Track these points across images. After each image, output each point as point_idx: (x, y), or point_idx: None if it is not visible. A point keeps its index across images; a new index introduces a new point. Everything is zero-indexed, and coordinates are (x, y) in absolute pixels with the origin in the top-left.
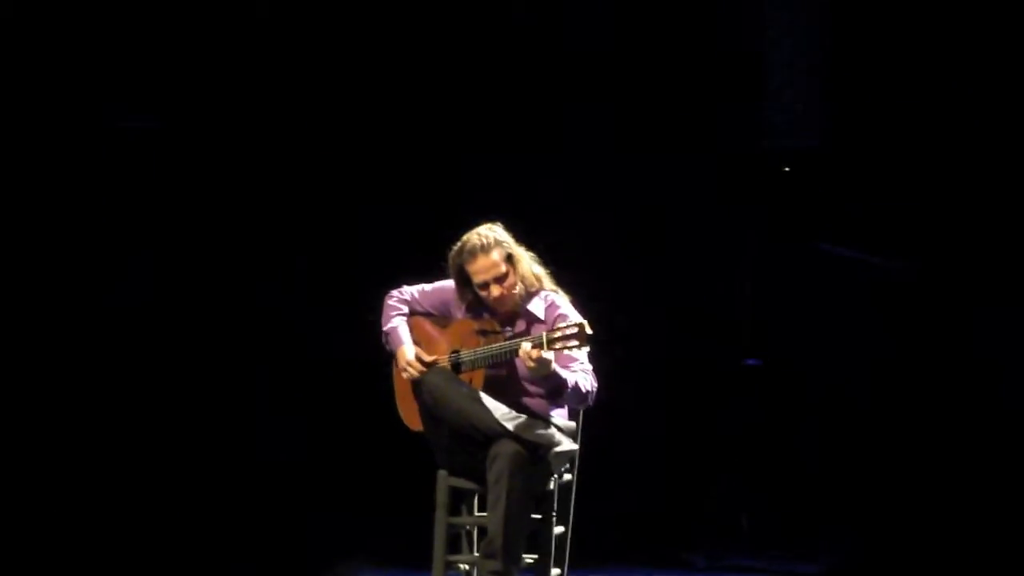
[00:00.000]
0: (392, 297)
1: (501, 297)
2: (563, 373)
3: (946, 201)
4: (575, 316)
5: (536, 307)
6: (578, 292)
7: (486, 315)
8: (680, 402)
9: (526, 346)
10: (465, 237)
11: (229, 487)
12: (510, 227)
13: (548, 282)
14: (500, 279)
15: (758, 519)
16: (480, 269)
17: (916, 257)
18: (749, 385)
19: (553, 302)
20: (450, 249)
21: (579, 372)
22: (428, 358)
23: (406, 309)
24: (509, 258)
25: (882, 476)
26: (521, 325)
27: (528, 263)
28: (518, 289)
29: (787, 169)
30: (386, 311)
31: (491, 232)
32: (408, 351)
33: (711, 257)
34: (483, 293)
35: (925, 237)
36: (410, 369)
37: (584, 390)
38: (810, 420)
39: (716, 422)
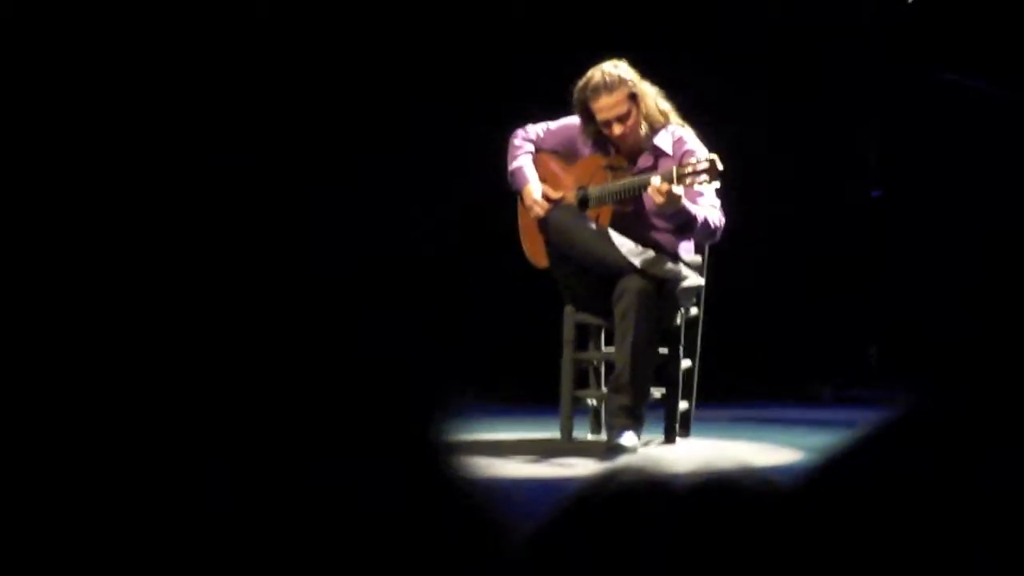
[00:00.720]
0: (517, 136)
1: (623, 135)
2: (692, 208)
3: None
4: (704, 151)
5: (663, 141)
6: (704, 127)
7: (612, 151)
8: (807, 234)
9: (655, 181)
10: (590, 73)
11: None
12: (635, 63)
13: (675, 116)
14: (623, 118)
15: (886, 353)
16: (603, 107)
17: None
18: (874, 216)
19: (681, 137)
20: (574, 84)
21: (707, 207)
22: (555, 195)
23: (531, 147)
24: (632, 97)
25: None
26: (648, 160)
27: (654, 99)
28: (643, 127)
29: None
30: (511, 150)
31: (615, 69)
32: (535, 189)
33: (836, 89)
34: (605, 130)
35: None
36: (536, 208)
37: (713, 225)
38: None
39: (843, 255)
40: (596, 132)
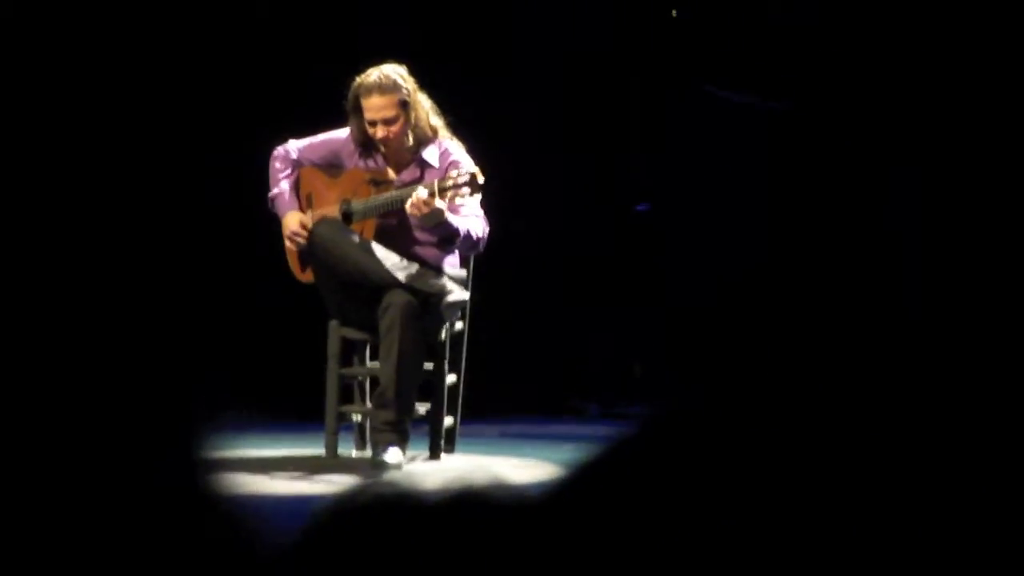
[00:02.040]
0: (277, 158)
1: (385, 138)
2: (454, 221)
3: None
4: (468, 164)
5: (430, 155)
6: (473, 140)
7: (375, 162)
8: (572, 248)
9: (417, 194)
10: (368, 71)
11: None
12: (416, 72)
13: (444, 132)
14: (389, 121)
15: (650, 368)
16: (372, 106)
17: (799, 98)
18: (639, 230)
19: (447, 149)
20: (352, 79)
21: (470, 217)
22: (314, 220)
23: (290, 169)
24: (404, 104)
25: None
26: (414, 172)
27: (427, 111)
28: (409, 137)
29: (675, 13)
30: (272, 174)
31: (393, 72)
32: (292, 220)
33: (600, 102)
34: (370, 130)
35: (810, 77)
36: (296, 239)
37: (476, 236)
38: (703, 267)
39: (608, 269)
40: (363, 132)
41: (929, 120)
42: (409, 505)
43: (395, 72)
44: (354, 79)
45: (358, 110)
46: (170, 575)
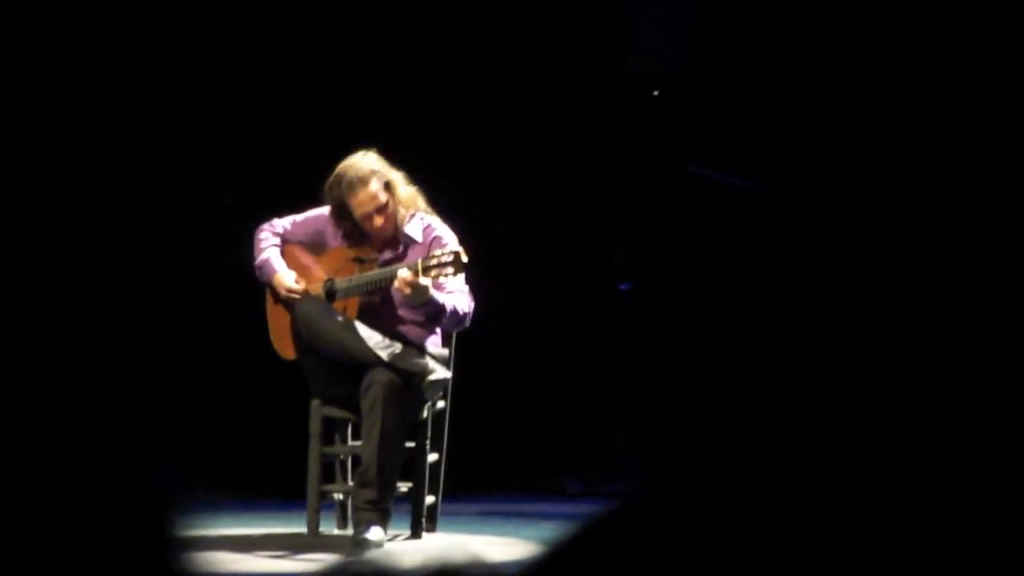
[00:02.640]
0: (263, 230)
1: (384, 225)
2: (439, 297)
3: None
4: (452, 241)
5: (414, 230)
6: (449, 215)
7: (358, 240)
8: (553, 328)
9: (402, 273)
10: (341, 169)
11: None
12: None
13: (421, 202)
14: (382, 209)
15: (633, 445)
16: (362, 201)
17: (786, 180)
18: (622, 310)
19: (429, 224)
20: (324, 182)
21: (456, 293)
22: (301, 288)
23: (278, 241)
24: (387, 186)
25: (752, 400)
26: (399, 249)
27: (403, 185)
28: (400, 214)
29: (656, 93)
30: (257, 244)
31: (365, 160)
32: (286, 277)
33: (581, 183)
34: (366, 224)
35: (795, 161)
36: (292, 295)
37: (461, 312)
38: (684, 347)
39: (591, 348)
40: (352, 227)
41: (908, 190)
42: None
43: (365, 158)
44: (327, 184)
45: (344, 209)
46: None
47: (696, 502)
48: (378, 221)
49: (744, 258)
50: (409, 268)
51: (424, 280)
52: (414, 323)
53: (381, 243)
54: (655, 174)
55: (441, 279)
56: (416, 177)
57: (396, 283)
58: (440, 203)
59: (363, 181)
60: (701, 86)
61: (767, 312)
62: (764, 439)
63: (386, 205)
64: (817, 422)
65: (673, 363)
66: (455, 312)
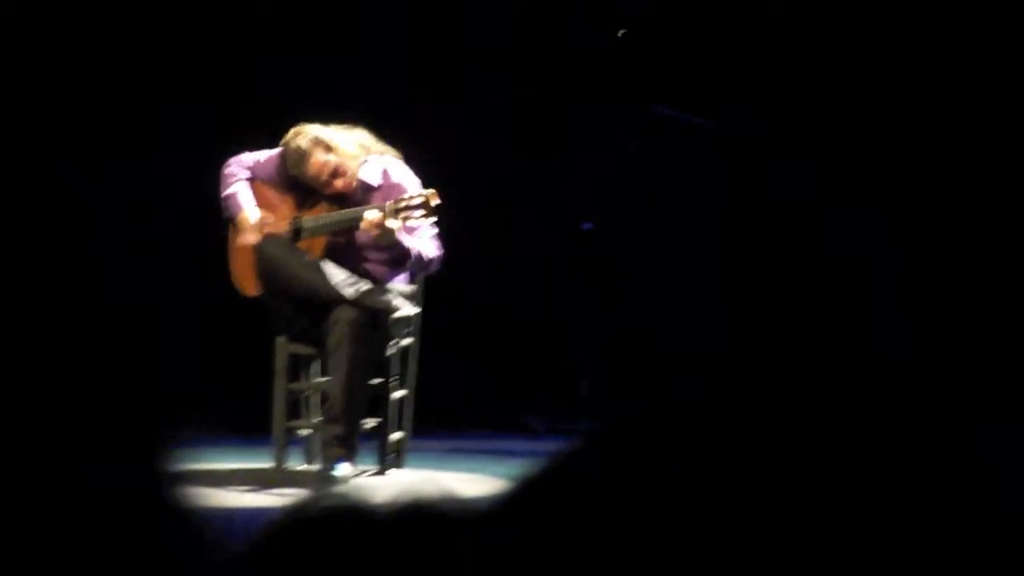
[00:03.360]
0: (229, 165)
1: (347, 184)
2: (406, 241)
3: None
4: (413, 183)
5: (369, 174)
6: (416, 155)
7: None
8: (519, 267)
9: (370, 215)
10: (282, 150)
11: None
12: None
13: (374, 144)
14: (335, 172)
15: (598, 384)
16: (313, 174)
17: (757, 119)
18: (584, 249)
19: (386, 168)
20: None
21: (423, 239)
22: (268, 225)
23: (246, 175)
24: (329, 149)
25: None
26: (356, 195)
27: (347, 140)
28: (351, 168)
29: (621, 33)
30: (224, 178)
31: (300, 137)
32: (251, 215)
33: (539, 121)
34: (328, 191)
35: (763, 98)
36: (254, 234)
37: (427, 258)
38: (648, 283)
39: (554, 287)
40: (325, 190)
41: (873, 138)
42: (358, 517)
43: (298, 135)
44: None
45: (307, 187)
46: None
47: (662, 438)
48: (339, 184)
49: (706, 198)
50: (379, 209)
51: (392, 223)
52: (380, 262)
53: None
54: (619, 113)
55: (411, 222)
56: (373, 114)
57: (363, 224)
58: (401, 140)
59: (305, 157)
60: (666, 27)
61: (731, 253)
62: (730, 376)
63: (337, 168)
64: (784, 361)
65: (636, 302)
66: (420, 257)
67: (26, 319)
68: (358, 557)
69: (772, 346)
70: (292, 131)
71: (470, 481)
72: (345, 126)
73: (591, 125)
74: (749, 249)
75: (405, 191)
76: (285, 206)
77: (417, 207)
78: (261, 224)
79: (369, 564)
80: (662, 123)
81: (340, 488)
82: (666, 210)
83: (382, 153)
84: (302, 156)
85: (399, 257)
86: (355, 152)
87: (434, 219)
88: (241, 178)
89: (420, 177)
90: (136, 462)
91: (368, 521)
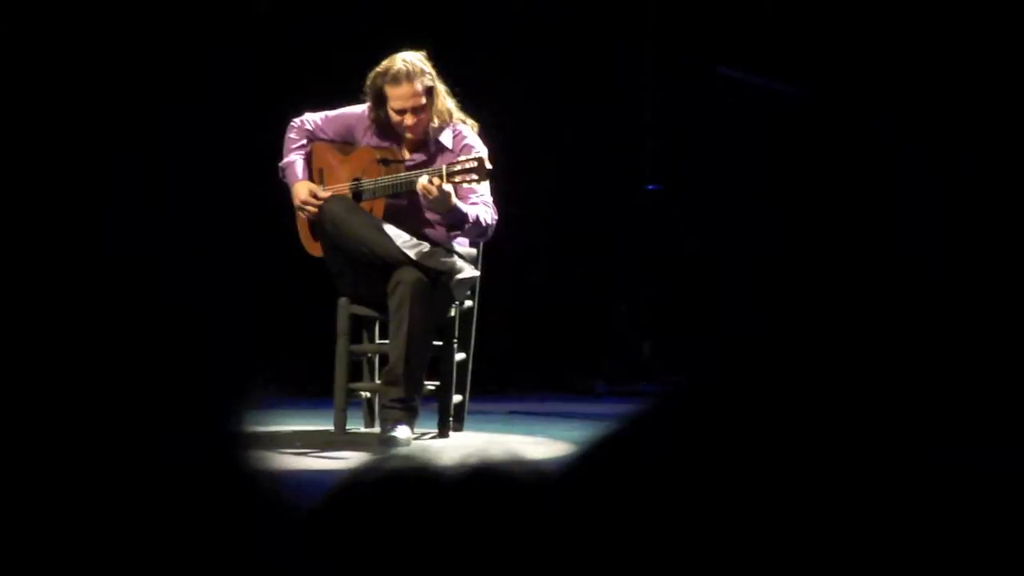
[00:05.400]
0: (292, 129)
1: (414, 126)
2: (462, 206)
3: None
4: (480, 148)
5: (446, 138)
6: (485, 122)
7: (388, 142)
8: (584, 228)
9: (423, 179)
10: (389, 60)
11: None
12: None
13: (459, 114)
14: (418, 109)
15: (660, 346)
16: (402, 95)
17: (818, 84)
18: (651, 210)
19: (460, 132)
20: (371, 69)
21: (480, 205)
22: (324, 193)
23: (305, 141)
24: (430, 91)
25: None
26: (425, 155)
27: (444, 97)
28: (434, 121)
29: None
30: (286, 144)
31: (417, 60)
32: (301, 189)
33: (611, 85)
34: (397, 119)
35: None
36: (305, 208)
37: (484, 223)
38: (715, 247)
39: (617, 249)
40: (383, 118)
41: (941, 106)
42: (428, 479)
43: (418, 59)
44: (373, 71)
45: (381, 99)
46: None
47: (737, 398)
48: (409, 120)
49: (774, 161)
50: (431, 173)
51: (447, 186)
52: (439, 225)
53: (410, 145)
54: (686, 75)
55: (466, 186)
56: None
57: (418, 187)
58: (472, 107)
59: (409, 76)
60: None
61: (793, 216)
62: (791, 342)
63: (423, 107)
64: (843, 329)
65: (700, 264)
66: (477, 221)
67: (91, 291)
68: (425, 519)
69: (823, 316)
70: (411, 52)
71: (531, 444)
72: (445, 88)
73: (658, 87)
74: (809, 211)
75: None
76: (344, 168)
77: (469, 171)
78: (315, 195)
79: (436, 526)
80: (729, 85)
81: (407, 451)
82: (729, 171)
83: (464, 121)
84: (407, 75)
85: (456, 222)
86: (443, 108)
87: (488, 183)
88: (300, 144)
89: (487, 144)
90: (208, 429)
91: (436, 484)
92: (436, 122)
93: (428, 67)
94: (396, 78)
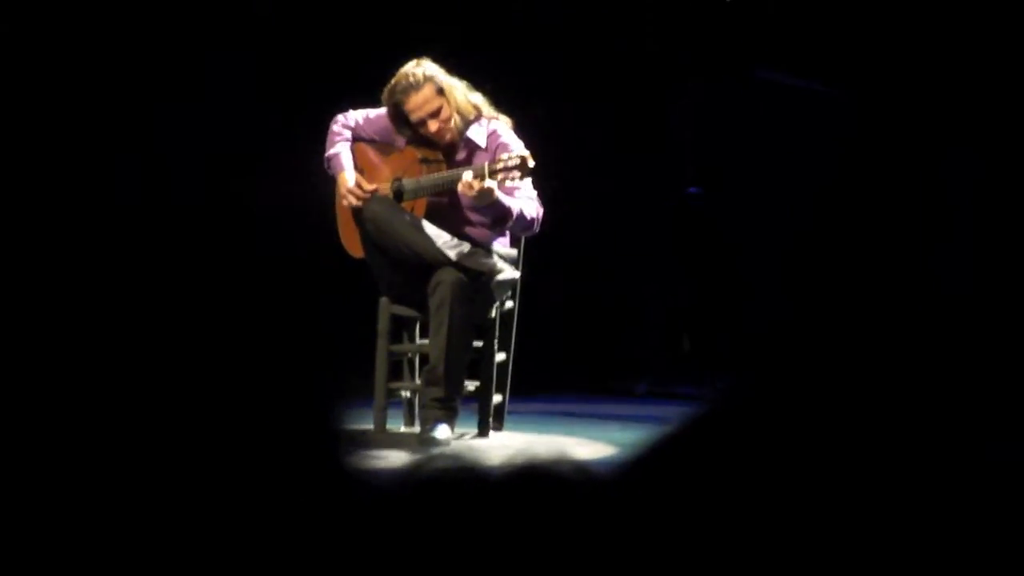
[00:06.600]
0: (337, 122)
1: (439, 131)
2: (507, 201)
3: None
4: (518, 146)
5: (476, 134)
6: (518, 118)
7: (426, 144)
8: (624, 230)
9: (467, 176)
10: (395, 76)
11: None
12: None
13: (488, 108)
14: (435, 113)
15: (699, 344)
16: (415, 106)
17: (859, 86)
18: (691, 214)
19: (495, 130)
20: (381, 89)
21: (523, 199)
22: (369, 186)
23: (349, 135)
24: (441, 91)
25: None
26: (463, 154)
27: (463, 92)
28: (455, 120)
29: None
30: (330, 136)
31: (419, 67)
32: (349, 177)
33: (649, 89)
34: (422, 130)
35: (869, 65)
36: (350, 197)
37: (529, 217)
38: (753, 248)
39: (660, 250)
40: (411, 132)
41: (984, 106)
42: (474, 478)
43: (419, 66)
44: (383, 91)
45: (402, 117)
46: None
47: (787, 403)
48: (432, 126)
49: (817, 164)
50: (475, 171)
51: (489, 183)
52: (482, 224)
53: (445, 146)
54: (726, 78)
55: (508, 183)
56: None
57: (460, 186)
58: (505, 105)
59: (415, 86)
60: None
61: (834, 220)
62: (833, 347)
63: (440, 110)
64: (883, 337)
65: (740, 268)
66: (522, 216)
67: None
68: (473, 518)
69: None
70: (414, 60)
71: (575, 444)
72: (465, 83)
73: (697, 90)
74: (850, 214)
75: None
76: (386, 168)
77: (513, 168)
78: (360, 186)
79: (483, 525)
80: (768, 87)
81: (449, 450)
82: (770, 174)
83: (495, 117)
84: (412, 85)
85: (500, 217)
86: (464, 104)
87: (530, 180)
88: (345, 137)
89: (522, 139)
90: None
91: (483, 483)
92: (458, 121)
93: (432, 69)
94: (404, 91)
